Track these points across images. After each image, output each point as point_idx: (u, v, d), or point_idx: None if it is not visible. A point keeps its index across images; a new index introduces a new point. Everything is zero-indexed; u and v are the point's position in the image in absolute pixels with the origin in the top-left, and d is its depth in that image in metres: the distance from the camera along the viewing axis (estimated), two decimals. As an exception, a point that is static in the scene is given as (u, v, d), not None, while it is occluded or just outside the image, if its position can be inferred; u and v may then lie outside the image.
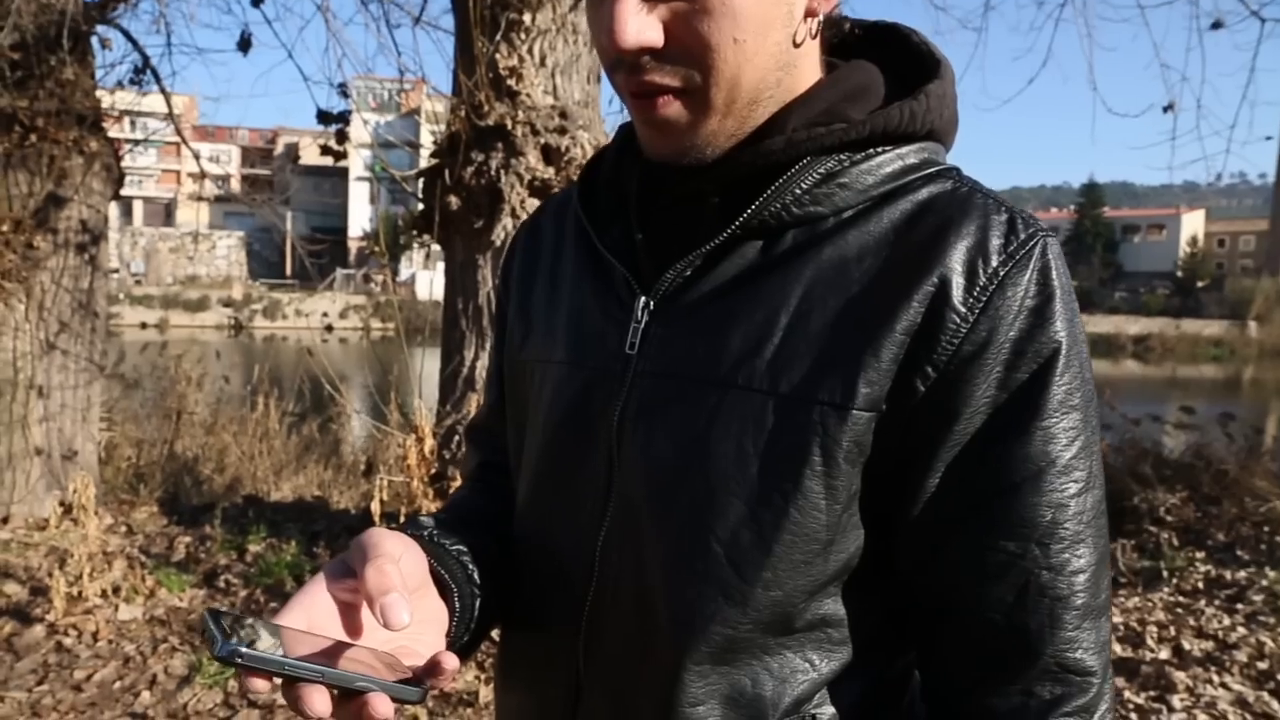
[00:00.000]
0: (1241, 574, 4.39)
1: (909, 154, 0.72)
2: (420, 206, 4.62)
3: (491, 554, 0.82)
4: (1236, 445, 5.69)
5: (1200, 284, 60.02)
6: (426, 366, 4.63)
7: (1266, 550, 4.69)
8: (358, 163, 55.80)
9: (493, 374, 0.98)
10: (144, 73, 6.38)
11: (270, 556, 4.43)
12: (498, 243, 4.37)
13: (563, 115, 4.42)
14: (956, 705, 0.72)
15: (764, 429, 0.69)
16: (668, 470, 0.72)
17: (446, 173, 4.30)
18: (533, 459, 0.84)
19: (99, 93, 5.82)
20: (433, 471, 3.84)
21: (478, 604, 0.78)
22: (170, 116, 6.77)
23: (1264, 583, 4.24)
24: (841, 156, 0.71)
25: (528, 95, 4.39)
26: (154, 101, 6.68)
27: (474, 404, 4.15)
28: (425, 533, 0.79)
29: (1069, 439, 0.67)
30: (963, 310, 0.66)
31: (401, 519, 3.61)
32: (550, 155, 4.35)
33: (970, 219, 0.68)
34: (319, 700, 0.57)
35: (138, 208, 58.86)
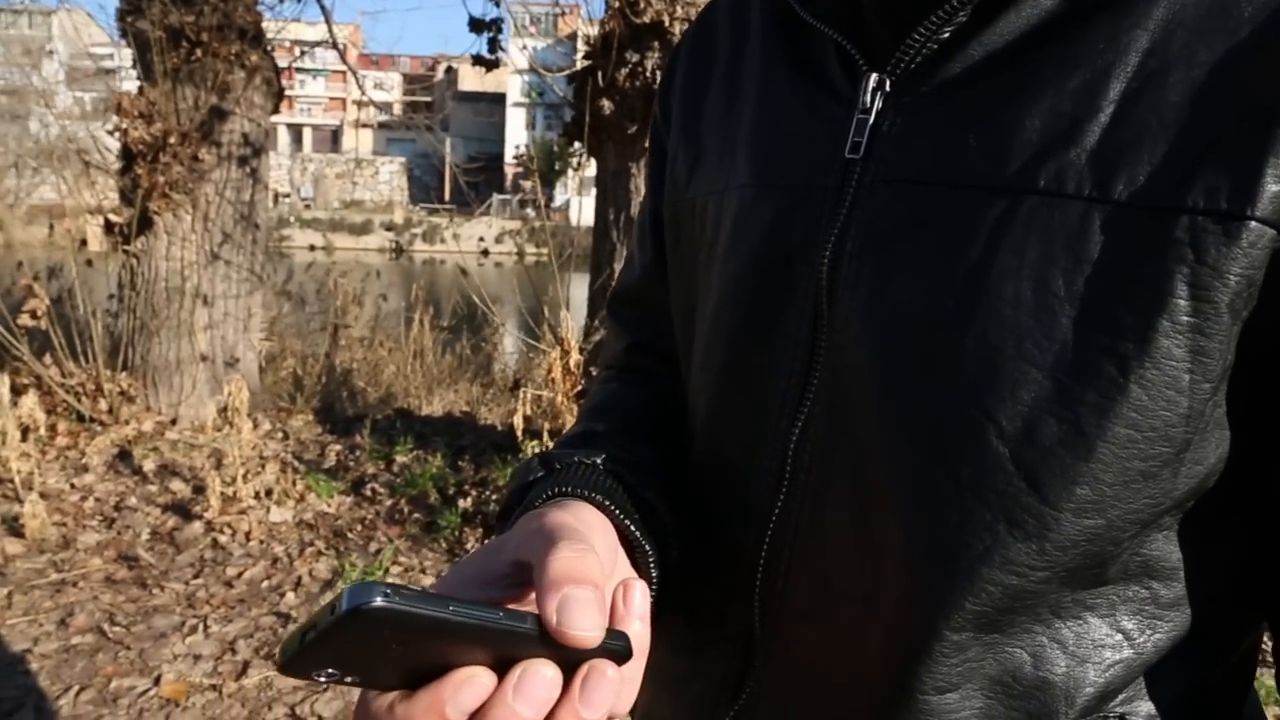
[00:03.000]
0: None
1: None
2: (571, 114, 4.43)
3: (677, 479, 0.61)
4: None
5: None
6: (577, 290, 4.49)
7: None
8: (514, 88, 56.39)
9: (646, 228, 0.75)
10: (304, -11, 6.41)
11: (416, 468, 4.43)
12: (650, 150, 4.15)
13: (722, 12, 4.12)
14: None
15: (1087, 257, 0.44)
16: (915, 325, 0.48)
17: (599, 74, 4.08)
18: (703, 330, 0.62)
19: (261, 9, 5.87)
20: (578, 387, 3.70)
21: (672, 557, 0.57)
22: (333, 40, 6.80)
23: None
24: None
25: (685, -9, 4.11)
26: (319, 30, 6.73)
27: (621, 319, 3.99)
28: (604, 468, 0.57)
29: None
30: None
31: (545, 435, 3.49)
32: (708, 56, 4.07)
33: None
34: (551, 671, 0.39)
35: (307, 134, 61.38)
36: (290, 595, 3.25)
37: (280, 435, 5.16)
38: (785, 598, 0.54)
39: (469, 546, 3.60)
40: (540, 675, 0.38)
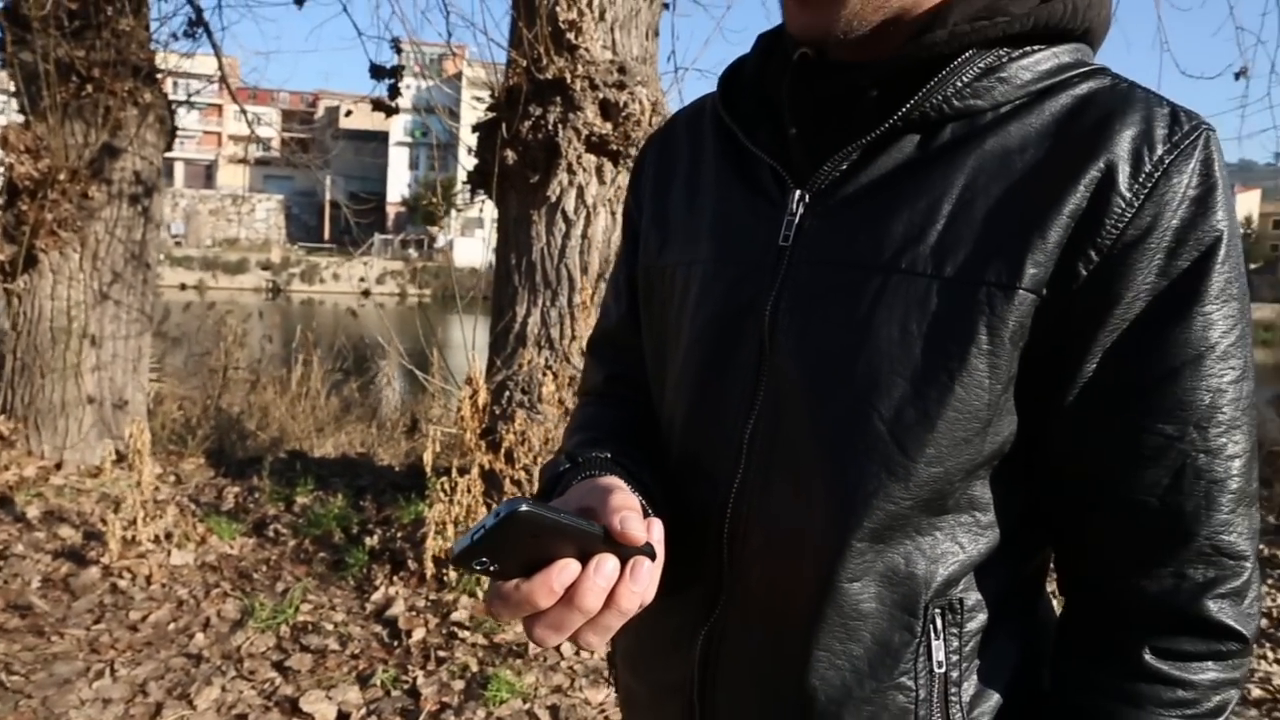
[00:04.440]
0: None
1: (1064, 53, 0.73)
2: (474, 162, 4.57)
3: (659, 469, 0.84)
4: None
5: (1253, 266, 58.85)
6: (466, 331, 4.61)
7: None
8: (398, 128, 55.92)
9: (622, 286, 0.97)
10: (198, 26, 6.38)
11: (318, 508, 4.45)
12: (553, 199, 4.32)
13: (621, 70, 4.35)
14: (1104, 590, 0.72)
15: (928, 311, 0.69)
16: (827, 354, 0.73)
17: (504, 126, 4.25)
18: (677, 361, 0.84)
19: (154, 48, 5.82)
20: (483, 426, 3.82)
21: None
22: (221, 74, 6.78)
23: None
24: (1000, 52, 0.72)
25: (586, 49, 4.32)
26: (197, 63, 6.68)
27: (526, 359, 4.12)
28: (613, 459, 0.81)
29: (1227, 326, 0.67)
30: (1128, 195, 0.66)
31: (453, 472, 3.59)
32: (608, 111, 4.29)
33: (1134, 110, 0.69)
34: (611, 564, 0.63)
35: (179, 169, 59.38)
36: (200, 636, 3.25)
37: (173, 479, 5.08)
38: (746, 540, 0.77)
39: (378, 583, 3.66)
40: (610, 561, 0.63)
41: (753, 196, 0.80)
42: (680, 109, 0.98)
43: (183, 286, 35.11)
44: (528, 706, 2.87)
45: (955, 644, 0.73)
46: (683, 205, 0.88)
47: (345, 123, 56.70)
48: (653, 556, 0.65)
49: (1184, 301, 0.67)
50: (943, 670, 0.73)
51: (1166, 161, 0.67)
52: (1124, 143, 0.67)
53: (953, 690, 0.73)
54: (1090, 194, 0.67)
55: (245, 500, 4.69)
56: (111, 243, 5.51)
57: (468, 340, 4.44)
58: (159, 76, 5.77)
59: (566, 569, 0.62)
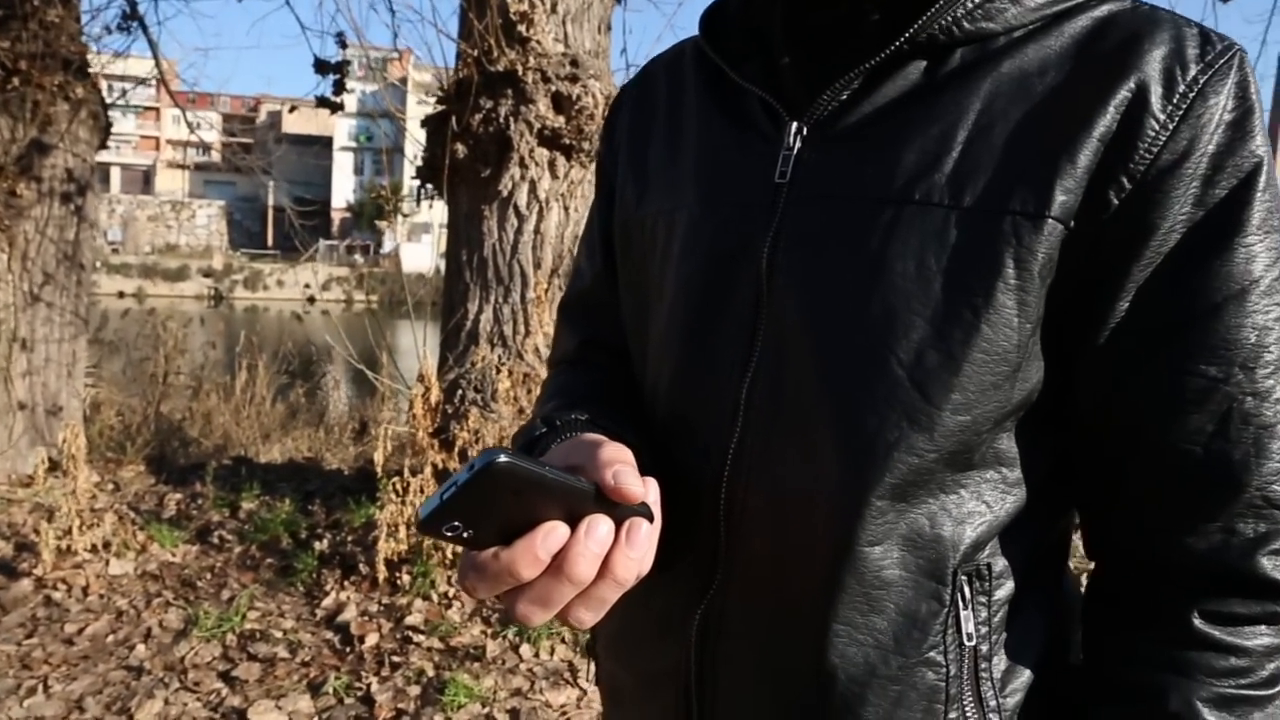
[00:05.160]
0: None
1: None
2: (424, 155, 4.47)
3: (643, 432, 0.76)
4: None
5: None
6: (416, 335, 4.49)
7: None
8: (342, 132, 55.25)
9: (596, 243, 0.89)
10: (131, 20, 6.18)
11: (265, 514, 4.30)
12: (504, 193, 4.24)
13: (574, 63, 4.28)
14: (1144, 551, 0.66)
15: (947, 244, 0.63)
16: (835, 296, 0.66)
17: (454, 119, 4.15)
18: (660, 317, 0.77)
19: (86, 41, 5.62)
20: (436, 425, 3.72)
21: None
22: (158, 70, 6.58)
23: None
24: None
25: (538, 42, 4.25)
26: (132, 65, 6.47)
27: (480, 357, 4.03)
28: (593, 421, 0.74)
29: (1270, 260, 0.62)
30: (1161, 118, 0.61)
31: (405, 472, 3.49)
32: (561, 103, 4.22)
33: (1162, 29, 0.64)
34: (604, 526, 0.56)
35: (115, 174, 58.00)
36: (140, 647, 3.11)
37: (111, 487, 4.89)
38: (746, 508, 0.69)
39: (328, 588, 3.53)
40: (603, 523, 0.56)
41: (742, 133, 0.74)
42: (657, 55, 0.90)
43: (121, 294, 34.26)
44: (486, 710, 2.78)
45: (984, 614, 0.67)
46: (663, 152, 0.80)
47: (288, 127, 55.87)
48: (650, 518, 0.58)
49: (1224, 232, 0.61)
50: (972, 643, 0.67)
51: (1201, 81, 0.61)
52: (1154, 62, 0.62)
53: (983, 665, 0.67)
54: (1120, 116, 0.61)
55: (188, 507, 4.53)
56: (42, 243, 5.30)
57: (418, 340, 4.33)
58: (91, 72, 5.56)
59: (553, 533, 0.54)
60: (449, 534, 0.52)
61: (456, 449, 3.60)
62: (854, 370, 0.65)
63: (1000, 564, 0.68)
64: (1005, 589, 0.68)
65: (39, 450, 5.03)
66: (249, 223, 55.28)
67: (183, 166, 55.57)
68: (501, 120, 4.15)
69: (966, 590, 0.66)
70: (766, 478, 0.68)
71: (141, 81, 7.10)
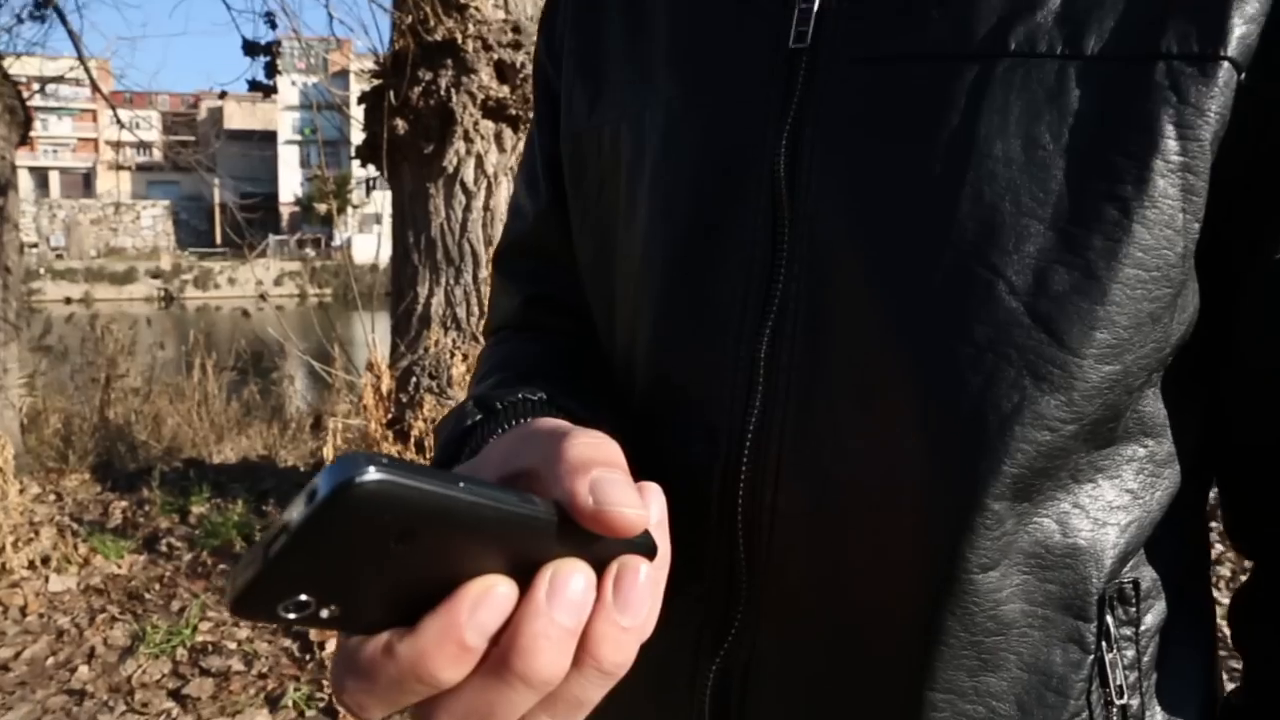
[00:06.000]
0: None
1: None
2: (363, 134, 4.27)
3: (622, 418, 0.56)
4: None
5: None
6: (367, 325, 4.30)
7: None
8: (286, 126, 54.27)
9: (539, 171, 0.69)
10: (45, 7, 5.87)
11: (216, 517, 4.10)
12: (450, 169, 4.05)
13: (516, 29, 4.09)
14: None
15: (1068, 110, 0.44)
16: (902, 196, 0.46)
17: (391, 94, 3.95)
18: (633, 255, 0.57)
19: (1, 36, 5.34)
20: (390, 415, 3.54)
21: None
22: (80, 60, 6.27)
23: None
24: None
25: (477, 9, 4.06)
26: (64, 67, 6.18)
27: (433, 341, 3.85)
28: (552, 401, 0.53)
29: None
30: None
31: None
32: (505, 72, 4.03)
33: None
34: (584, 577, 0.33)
35: (54, 178, 56.51)
36: (83, 669, 2.91)
37: (53, 497, 4.65)
38: (777, 510, 0.49)
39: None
40: (576, 573, 0.32)
41: None
42: None
43: (68, 300, 33.45)
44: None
45: (1132, 653, 0.48)
46: (620, 42, 0.61)
47: (231, 123, 54.82)
48: (652, 554, 0.36)
49: None
50: (1122, 700, 0.48)
51: None
52: None
53: None
54: None
55: (134, 515, 4.31)
56: (-36, 246, 5.03)
57: (367, 329, 4.14)
58: (4, 64, 5.27)
59: (488, 598, 0.31)
60: (291, 614, 0.29)
61: (412, 439, 3.43)
62: (941, 305, 0.45)
63: (1148, 578, 0.49)
64: (1155, 613, 0.49)
65: (-27, 464, 4.79)
66: (196, 221, 54.19)
67: (124, 168, 54.36)
68: (442, 92, 3.96)
69: (1110, 623, 0.47)
70: (806, 471, 0.48)
71: (61, 80, 6.76)
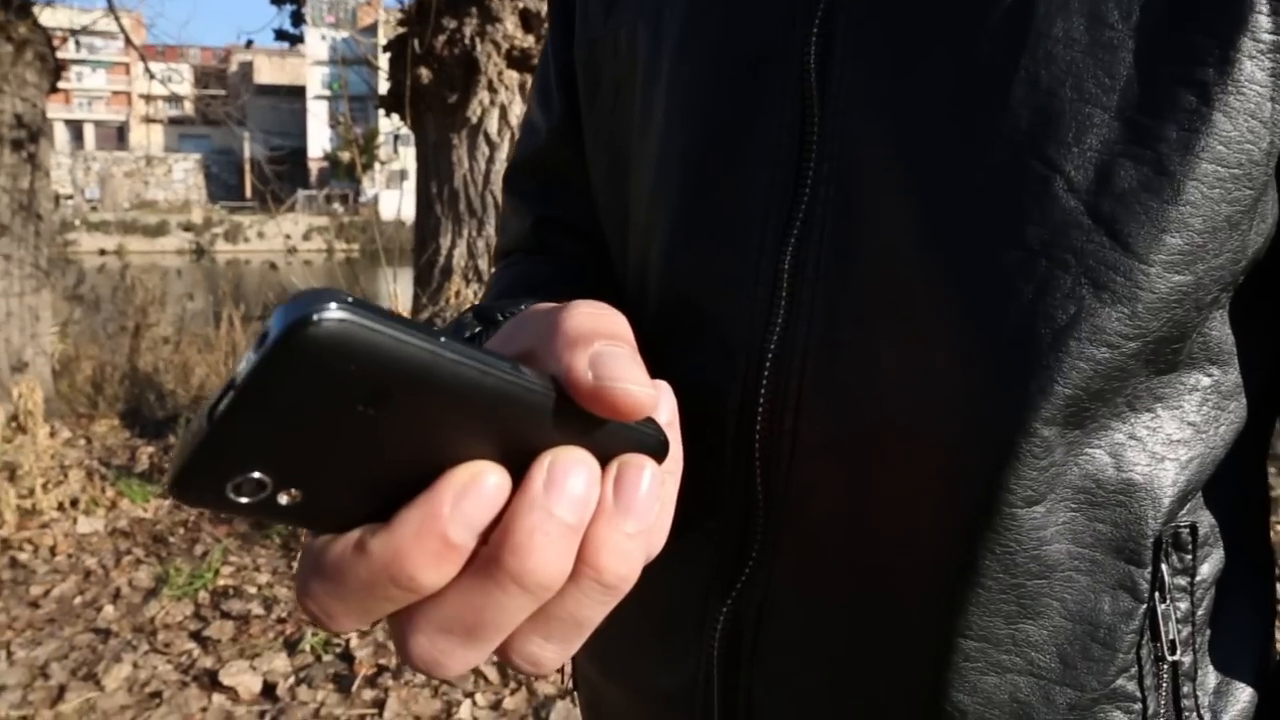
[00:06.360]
0: None
1: None
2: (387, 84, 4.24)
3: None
4: None
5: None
6: (389, 281, 4.29)
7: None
8: (315, 82, 54.20)
9: (552, 84, 0.65)
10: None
11: (240, 465, 4.15)
12: (473, 120, 4.02)
13: (541, -23, 4.03)
14: None
15: None
16: (947, 83, 0.41)
17: (415, 42, 3.91)
18: (648, 163, 0.53)
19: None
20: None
21: None
22: (113, 12, 6.27)
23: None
24: None
25: (502, -45, 4.00)
26: (98, 17, 6.19)
27: (454, 292, 3.85)
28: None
29: None
30: None
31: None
32: (530, 22, 3.98)
33: None
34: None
35: (89, 131, 56.89)
36: (109, 608, 2.96)
37: (83, 442, 4.72)
38: (800, 438, 0.45)
39: (304, 538, 3.39)
40: (578, 465, 0.28)
41: None
42: None
43: (102, 252, 33.80)
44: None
45: (1186, 606, 0.43)
46: None
47: (261, 77, 54.83)
48: (664, 451, 0.31)
49: None
50: (1174, 656, 0.43)
51: None
52: None
53: (1185, 691, 0.44)
54: None
55: (161, 460, 4.37)
56: (-5, 193, 5.07)
57: (388, 280, 4.14)
58: (34, 8, 5.27)
59: (473, 487, 0.27)
60: (243, 498, 0.25)
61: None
62: (990, 205, 0.40)
63: (1206, 523, 0.44)
64: (1212, 563, 0.44)
65: (7, 407, 4.86)
66: (226, 175, 54.43)
67: (156, 121, 54.61)
68: (467, 41, 3.92)
69: (1165, 570, 0.42)
70: (830, 394, 0.44)
71: (88, 31, 6.76)
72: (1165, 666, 0.43)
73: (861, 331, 0.43)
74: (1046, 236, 0.39)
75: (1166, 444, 0.42)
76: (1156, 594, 0.42)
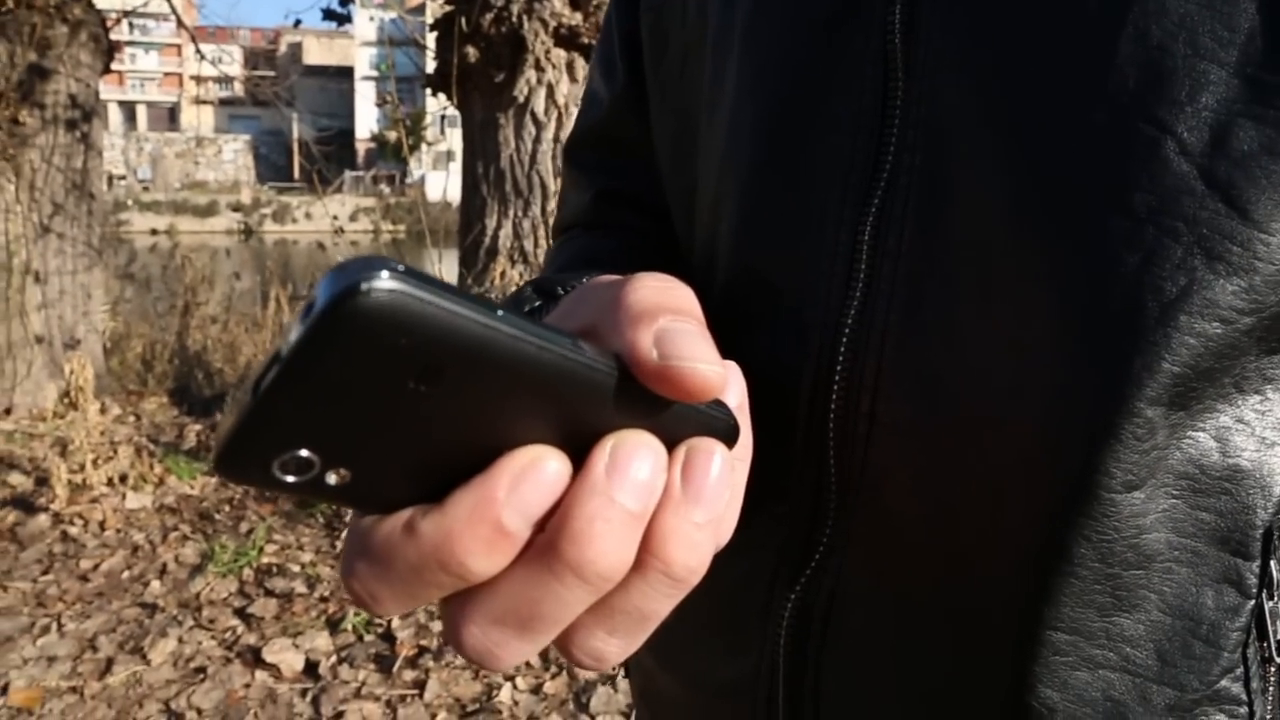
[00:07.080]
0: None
1: None
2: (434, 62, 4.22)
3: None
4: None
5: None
6: (438, 267, 4.29)
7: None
8: (363, 62, 54.57)
9: (616, 52, 0.62)
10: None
11: (286, 444, 4.18)
12: (520, 99, 3.98)
13: (589, -45, 3.98)
14: None
15: None
16: (1047, 38, 0.38)
17: (462, 20, 3.89)
18: (718, 133, 0.50)
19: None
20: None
21: None
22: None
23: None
24: None
25: (550, -68, 3.95)
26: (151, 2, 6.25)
27: (499, 273, 3.83)
28: None
29: None
30: None
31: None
32: (578, 0, 3.93)
33: None
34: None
35: (141, 112, 57.85)
36: (155, 584, 3.00)
37: (132, 419, 4.79)
38: (875, 419, 0.42)
39: (348, 519, 3.40)
40: (643, 449, 0.26)
41: None
42: None
43: (153, 232, 34.36)
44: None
45: None
46: None
47: (310, 58, 55.33)
48: (734, 436, 0.29)
49: None
50: None
51: None
52: None
53: None
54: None
55: (208, 438, 4.41)
56: (50, 172, 5.14)
57: (433, 261, 4.13)
58: (110, 22, 5.34)
59: (534, 470, 0.25)
60: (290, 476, 0.23)
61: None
62: (1093, 168, 0.37)
63: None
64: None
65: (59, 383, 4.94)
66: (275, 156, 55.09)
67: (206, 102, 55.39)
68: (514, 19, 3.88)
69: (1275, 565, 0.39)
70: (911, 374, 0.41)
71: (136, 13, 6.82)
72: (1273, 669, 0.40)
73: (946, 308, 0.40)
74: (1155, 203, 0.36)
75: (1276, 429, 0.38)
76: (1265, 590, 0.39)
